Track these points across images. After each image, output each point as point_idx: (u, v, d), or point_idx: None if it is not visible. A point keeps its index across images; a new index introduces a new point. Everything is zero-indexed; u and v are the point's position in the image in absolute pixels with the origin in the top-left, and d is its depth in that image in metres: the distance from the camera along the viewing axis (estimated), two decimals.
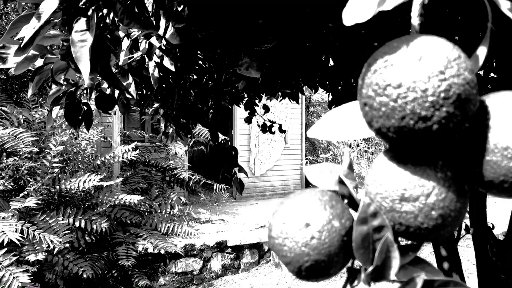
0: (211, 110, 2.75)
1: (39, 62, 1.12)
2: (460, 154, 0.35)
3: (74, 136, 5.62)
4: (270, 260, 6.31)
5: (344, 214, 0.38)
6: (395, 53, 0.32)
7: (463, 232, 3.22)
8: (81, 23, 0.72)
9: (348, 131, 0.37)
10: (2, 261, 3.86)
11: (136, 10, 0.78)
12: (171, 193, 6.61)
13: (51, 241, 4.10)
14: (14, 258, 3.91)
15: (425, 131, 0.31)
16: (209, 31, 0.98)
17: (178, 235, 5.98)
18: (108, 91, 1.26)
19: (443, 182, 0.34)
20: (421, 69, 0.31)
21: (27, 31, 0.72)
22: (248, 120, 3.23)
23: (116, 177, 6.01)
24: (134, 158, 5.99)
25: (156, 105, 2.94)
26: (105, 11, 0.79)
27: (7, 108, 5.21)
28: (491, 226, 2.00)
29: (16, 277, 3.77)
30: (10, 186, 4.53)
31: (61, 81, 1.18)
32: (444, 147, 0.34)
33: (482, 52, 0.39)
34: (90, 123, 1.21)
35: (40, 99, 6.13)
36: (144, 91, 2.26)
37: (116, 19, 0.75)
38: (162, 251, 5.48)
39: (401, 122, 0.31)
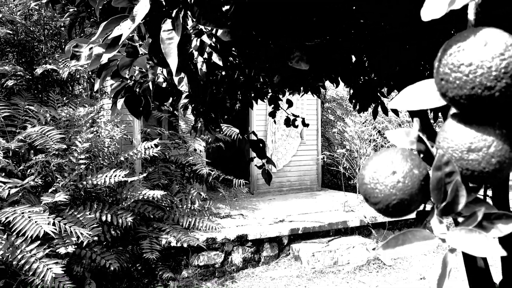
0: (238, 105, 2.88)
1: (104, 59, 1.25)
2: None
3: (98, 134, 5.80)
4: (289, 253, 6.42)
5: (421, 164, 0.49)
6: (466, 41, 0.44)
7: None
8: (167, 24, 0.84)
9: (422, 102, 0.49)
10: (36, 253, 4.03)
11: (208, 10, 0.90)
12: (191, 189, 6.75)
13: (82, 234, 4.25)
14: (48, 251, 4.08)
15: (489, 97, 0.43)
16: (262, 28, 1.10)
17: (199, 229, 6.12)
18: (164, 85, 1.38)
19: (500, 137, 0.45)
20: (486, 51, 0.43)
21: (122, 31, 0.84)
22: (272, 115, 3.35)
23: (139, 173, 6.17)
24: (156, 155, 6.15)
25: (185, 100, 3.06)
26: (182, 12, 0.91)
27: (34, 107, 5.39)
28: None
29: (50, 268, 3.94)
30: (40, 182, 4.70)
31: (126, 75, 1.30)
32: (503, 111, 0.46)
33: None
34: (149, 113, 1.34)
35: (64, 98, 6.32)
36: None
37: (193, 19, 0.87)
38: (185, 245, 5.63)
39: (471, 91, 0.43)
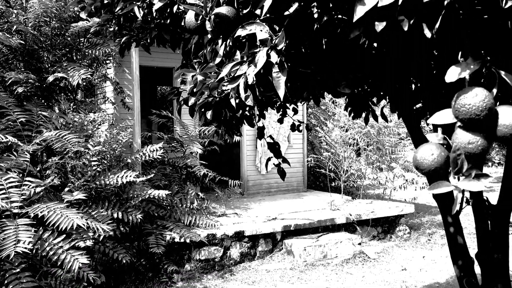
0: (257, 113, 3.37)
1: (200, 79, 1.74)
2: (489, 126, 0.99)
3: (106, 138, 6.20)
4: (282, 248, 6.94)
5: (445, 150, 1.01)
6: (466, 93, 0.96)
7: (464, 204, 3.85)
8: (276, 68, 1.33)
9: (445, 119, 1.00)
10: (63, 245, 4.44)
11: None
12: (189, 189, 7.21)
13: (101, 229, 4.68)
14: (73, 243, 4.49)
15: (477, 119, 0.94)
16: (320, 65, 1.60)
17: (199, 226, 6.58)
18: (237, 101, 1.87)
19: (483, 137, 0.97)
20: (476, 98, 0.95)
21: (248, 72, 1.32)
22: (281, 121, 3.85)
23: (144, 174, 6.59)
24: (159, 157, 6.59)
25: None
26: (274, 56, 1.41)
27: (47, 113, 5.78)
28: (486, 198, 2.66)
29: (76, 258, 4.36)
30: (58, 182, 5.11)
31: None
32: (484, 126, 0.97)
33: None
34: (229, 122, 1.81)
35: (72, 104, 6.72)
36: None
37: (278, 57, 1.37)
38: (188, 240, 6.08)
39: (470, 116, 0.95)
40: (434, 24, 1.01)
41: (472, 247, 3.50)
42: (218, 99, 1.77)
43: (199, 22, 1.45)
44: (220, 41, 1.67)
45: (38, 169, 5.34)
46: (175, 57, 7.73)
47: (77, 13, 6.87)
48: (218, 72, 1.75)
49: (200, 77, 1.69)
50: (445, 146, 1.03)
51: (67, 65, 6.43)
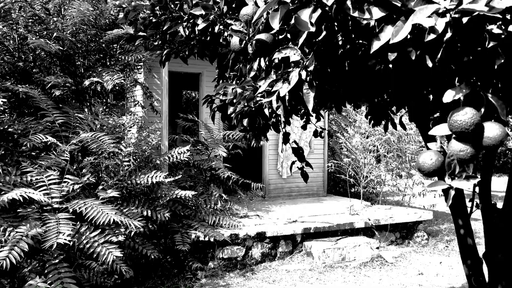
0: (283, 120, 3.64)
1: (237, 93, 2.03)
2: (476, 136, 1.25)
3: (138, 140, 6.55)
4: (302, 250, 7.18)
5: (442, 156, 1.27)
6: (459, 112, 1.21)
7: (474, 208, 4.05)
8: (306, 85, 1.60)
9: (442, 131, 1.26)
10: (98, 239, 4.78)
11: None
12: (213, 191, 7.51)
13: (133, 225, 5.00)
14: (107, 237, 4.82)
15: (466, 132, 1.20)
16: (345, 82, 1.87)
17: (222, 226, 6.87)
18: (270, 110, 2.16)
19: (472, 146, 1.23)
20: (466, 116, 1.20)
21: (281, 89, 1.60)
22: (304, 127, 4.12)
23: (171, 175, 6.92)
24: (186, 159, 6.91)
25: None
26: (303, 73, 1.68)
27: (83, 115, 6.15)
28: (494, 203, 2.88)
29: (111, 251, 4.69)
30: (94, 180, 5.46)
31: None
32: (473, 137, 1.23)
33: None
34: (264, 129, 2.09)
35: (105, 107, 7.09)
36: None
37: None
38: (212, 239, 6.38)
39: (461, 130, 1.20)
40: (435, 55, 1.26)
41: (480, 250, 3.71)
42: (253, 108, 2.05)
43: (242, 45, 1.73)
44: (257, 61, 1.96)
45: (74, 167, 5.70)
46: (201, 63, 8.06)
47: (112, 21, 7.27)
48: (254, 85, 2.04)
49: (239, 90, 1.97)
50: (441, 152, 1.28)
51: (101, 70, 6.81)
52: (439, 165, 1.25)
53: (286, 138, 3.59)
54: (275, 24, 1.36)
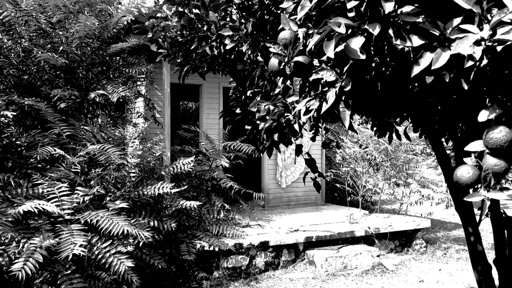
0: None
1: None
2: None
3: (143, 151, 6.64)
4: (305, 258, 7.29)
5: (478, 170, 1.40)
6: (493, 130, 1.35)
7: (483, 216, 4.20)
8: (342, 104, 1.73)
9: (477, 147, 1.38)
10: (110, 249, 4.85)
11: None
12: (215, 201, 7.61)
13: (143, 235, 5.08)
14: (118, 248, 4.90)
15: (501, 148, 1.33)
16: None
17: (226, 236, 6.96)
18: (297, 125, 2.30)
19: (506, 161, 1.36)
20: (501, 134, 1.33)
21: (313, 105, 1.73)
22: (313, 139, 4.25)
23: (175, 186, 7.00)
24: (190, 170, 7.00)
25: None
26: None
27: (89, 127, 6.24)
28: (502, 212, 3.03)
29: (122, 262, 4.76)
30: (103, 192, 5.53)
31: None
32: (507, 153, 1.36)
33: None
34: (290, 143, 2.21)
35: (109, 119, 7.17)
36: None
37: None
38: (216, 249, 6.47)
39: (497, 146, 1.33)
40: (469, 78, 1.40)
41: (489, 256, 3.85)
42: (284, 124, 2.18)
43: (281, 66, 1.86)
44: (286, 80, 2.09)
45: (82, 179, 5.77)
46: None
47: (115, 34, 7.37)
48: (284, 102, 2.16)
49: (271, 107, 2.10)
50: (477, 166, 1.41)
51: (105, 82, 6.91)
52: (476, 178, 1.38)
53: (299, 150, 3.71)
54: (330, 52, 1.49)
